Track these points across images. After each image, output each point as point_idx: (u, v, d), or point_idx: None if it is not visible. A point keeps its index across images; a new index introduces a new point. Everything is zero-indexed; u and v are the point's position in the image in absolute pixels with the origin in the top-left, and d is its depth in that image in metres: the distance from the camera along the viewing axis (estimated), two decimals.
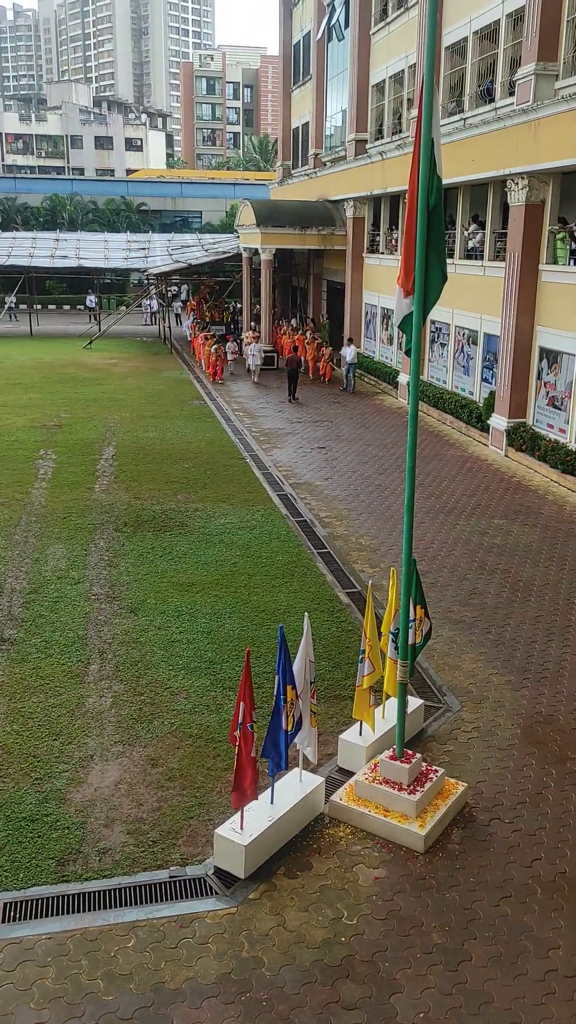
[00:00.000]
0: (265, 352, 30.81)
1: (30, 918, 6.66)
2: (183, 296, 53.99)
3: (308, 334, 32.59)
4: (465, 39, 22.35)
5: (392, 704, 8.70)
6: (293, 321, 38.88)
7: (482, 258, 21.98)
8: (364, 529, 14.89)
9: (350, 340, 27.97)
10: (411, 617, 8.10)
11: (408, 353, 7.25)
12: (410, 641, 8.15)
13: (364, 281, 31.19)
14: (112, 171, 78.80)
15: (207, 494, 16.59)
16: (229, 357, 30.50)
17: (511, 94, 20.18)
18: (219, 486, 17.22)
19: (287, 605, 11.59)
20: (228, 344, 30.72)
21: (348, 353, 27.38)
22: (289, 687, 7.17)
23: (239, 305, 44.30)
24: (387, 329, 29.39)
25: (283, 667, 7.11)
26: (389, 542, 14.21)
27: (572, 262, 18.45)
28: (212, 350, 29.22)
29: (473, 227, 22.84)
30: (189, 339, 37.86)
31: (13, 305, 47.67)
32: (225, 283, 46.10)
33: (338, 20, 32.59)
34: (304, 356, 30.49)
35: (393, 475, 18.41)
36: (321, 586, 12.31)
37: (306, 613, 7.53)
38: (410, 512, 7.43)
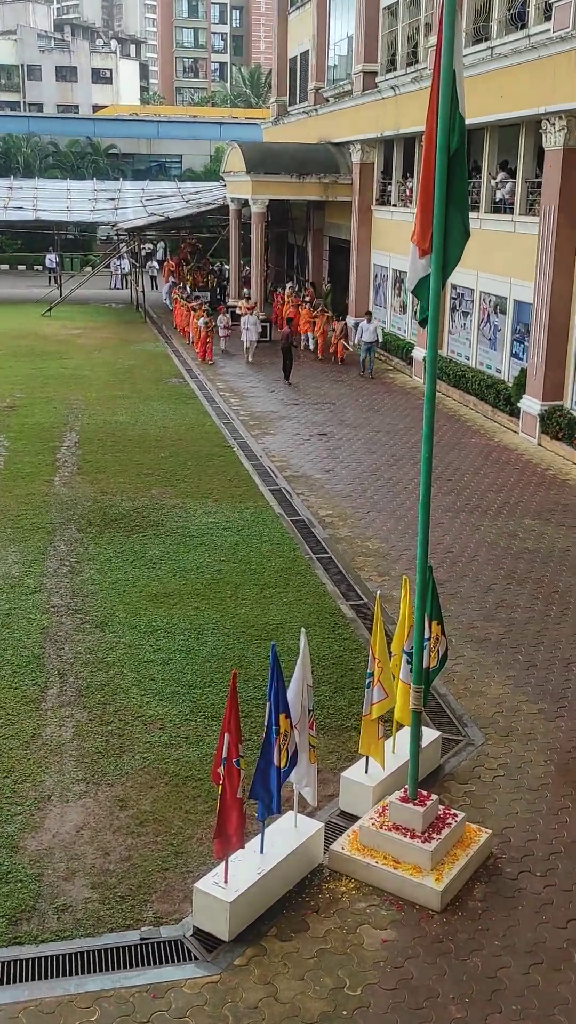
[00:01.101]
0: (261, 322, 30.87)
1: None
2: (159, 255, 54.09)
3: (309, 301, 32.69)
4: None
5: (404, 736, 8.72)
6: (287, 287, 39.00)
7: (512, 212, 21.99)
8: (372, 530, 14.92)
9: (369, 315, 27.67)
10: (426, 635, 8.11)
11: (424, 324, 7.26)
12: (425, 663, 8.16)
13: (373, 238, 31.29)
14: (76, 107, 78.52)
15: (187, 488, 16.63)
16: (221, 332, 30.37)
17: (547, 19, 20.20)
18: (201, 479, 17.25)
19: (281, 620, 11.62)
20: (220, 317, 30.56)
21: (367, 331, 27.08)
22: (283, 716, 7.19)
23: (225, 266, 44.45)
24: (400, 295, 29.48)
25: (276, 692, 7.13)
26: (401, 546, 14.25)
27: None
28: (201, 324, 29.10)
29: (502, 175, 22.89)
30: (169, 306, 37.89)
31: None
32: (209, 240, 46.19)
33: None
34: (310, 331, 30.41)
35: (406, 467, 18.46)
36: (321, 597, 12.35)
37: (303, 629, 7.53)
38: (426, 510, 7.46)
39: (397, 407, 23.81)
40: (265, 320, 31.82)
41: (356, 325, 29.46)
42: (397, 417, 22.73)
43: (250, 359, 29.12)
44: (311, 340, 30.52)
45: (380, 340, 27.12)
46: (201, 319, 29.16)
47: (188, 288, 39.29)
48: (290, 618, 11.66)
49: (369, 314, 27.71)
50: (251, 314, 29.51)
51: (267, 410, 23.27)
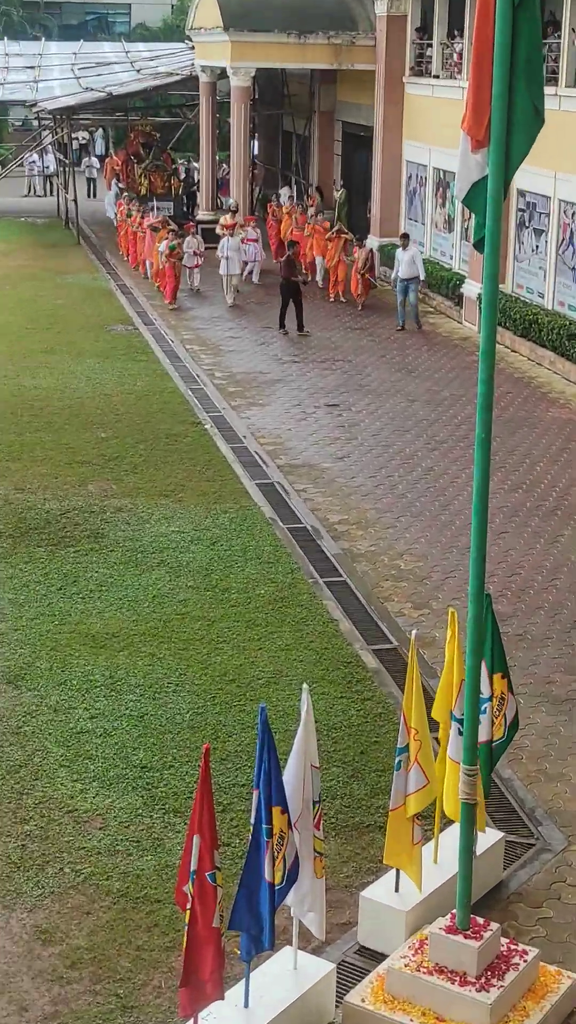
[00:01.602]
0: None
1: None
2: (99, 149, 54.23)
3: (313, 214, 32.76)
4: None
5: (452, 839, 8.74)
6: (283, 192, 39.16)
7: None
8: (404, 543, 14.99)
9: (405, 238, 27.39)
10: (485, 693, 8.13)
11: (480, 247, 7.29)
12: (484, 734, 8.17)
13: (405, 124, 31.52)
14: None
15: (138, 483, 16.71)
16: (189, 262, 30.43)
17: None
18: (159, 470, 17.35)
19: (274, 671, 11.69)
20: (189, 240, 30.56)
21: (402, 262, 26.76)
22: (276, 810, 7.20)
23: (195, 165, 44.57)
24: (444, 205, 29.63)
25: (267, 776, 7.14)
26: (446, 565, 14.32)
27: None
28: (163, 250, 29.16)
29: None
30: (115, 223, 37.98)
31: None
32: (172, 126, 46.36)
33: None
34: (322, 258, 30.47)
35: (453, 452, 18.55)
36: (331, 639, 12.41)
37: (305, 685, 7.54)
38: (482, 515, 7.47)
39: (439, 366, 23.85)
40: (256, 240, 31.86)
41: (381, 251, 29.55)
42: (440, 380, 22.78)
43: (231, 301, 29.24)
44: (320, 272, 30.59)
45: (423, 276, 26.76)
46: (162, 243, 29.26)
47: (141, 196, 39.39)
48: (287, 669, 11.70)
49: (405, 237, 27.38)
50: (234, 235, 29.53)
51: (254, 370, 23.33)
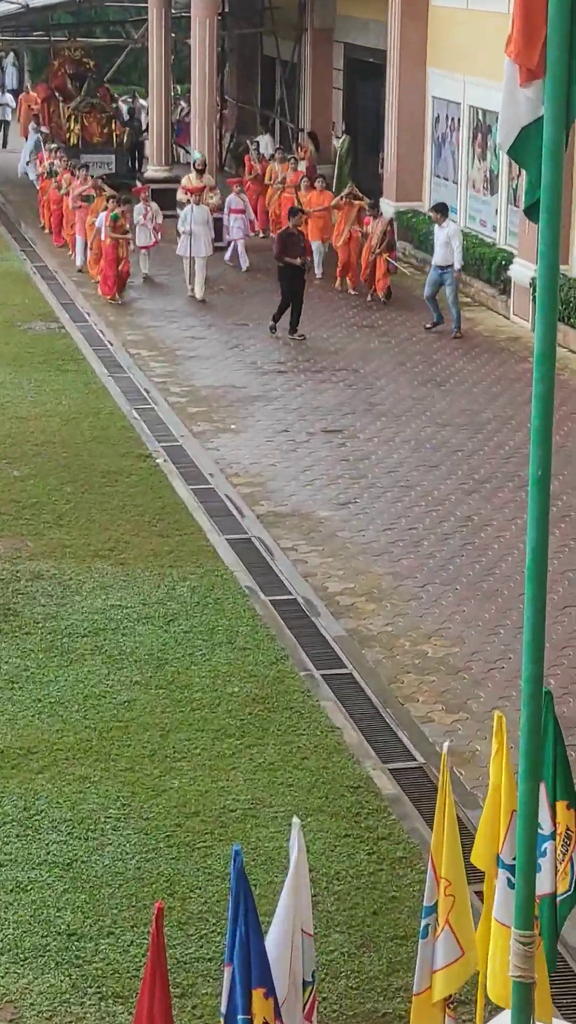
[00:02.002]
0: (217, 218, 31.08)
1: None
2: (10, 82, 54.54)
3: (296, 166, 32.85)
4: None
5: None
6: (262, 141, 39.35)
7: None
8: (431, 621, 15.01)
9: (442, 210, 27.06)
10: (546, 829, 8.07)
11: (532, 214, 7.29)
12: (544, 888, 8.10)
13: (430, 46, 31.92)
14: None
15: (65, 540, 16.78)
16: (142, 240, 30.51)
17: None
18: (93, 521, 17.41)
19: (252, 799, 11.65)
20: (139, 209, 30.64)
21: (437, 240, 26.71)
22: (258, 993, 7.12)
23: (143, 103, 44.71)
24: (484, 157, 29.84)
25: (243, 946, 7.07)
26: (489, 652, 14.34)
27: None
28: (101, 224, 28.98)
29: None
30: (35, 184, 37.90)
31: None
32: (111, 51, 46.57)
33: None
34: (319, 243, 30.51)
35: (498, 495, 18.64)
36: (331, 755, 12.38)
37: (296, 820, 7.50)
38: (539, 583, 7.42)
39: (479, 377, 23.91)
40: (242, 212, 31.93)
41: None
42: (479, 397, 22.85)
43: (197, 293, 29.24)
44: (318, 258, 30.48)
45: (459, 264, 26.59)
46: (100, 215, 29.20)
47: (72, 149, 39.47)
48: (271, 797, 11.65)
49: (442, 209, 27.07)
50: (201, 203, 29.55)
51: (225, 384, 23.38)
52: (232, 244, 31.65)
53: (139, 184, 34.07)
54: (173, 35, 38.81)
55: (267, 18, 41.29)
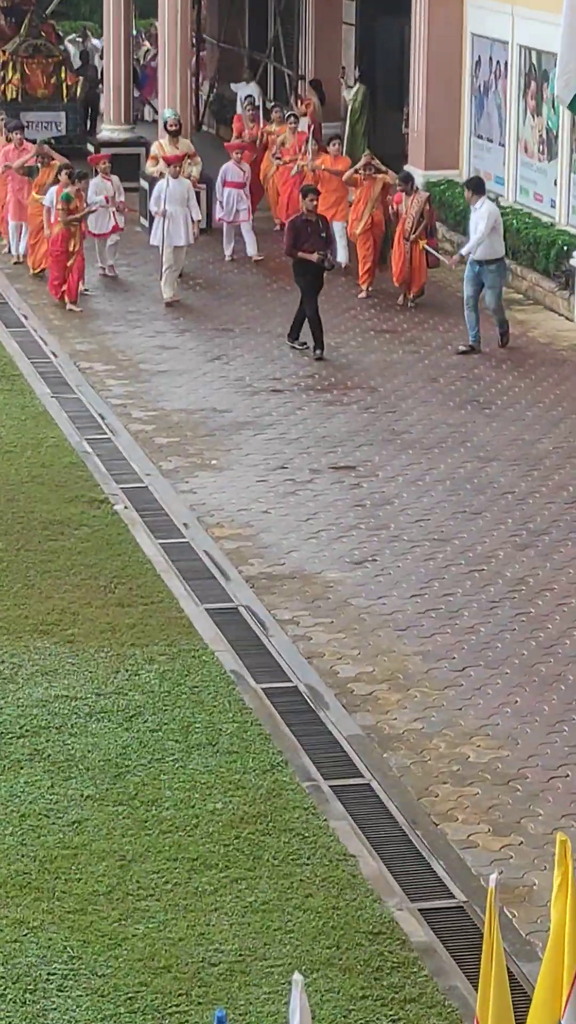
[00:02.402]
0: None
1: None
2: None
3: (296, 126, 32.80)
4: None
5: None
6: (240, 90, 39.26)
7: None
8: (474, 715, 14.96)
9: (476, 185, 26.90)
10: None
11: None
12: None
13: None
14: None
15: None
16: (102, 226, 30.21)
17: None
18: (33, 586, 17.41)
19: (239, 949, 11.55)
20: (96, 183, 30.43)
21: (475, 227, 26.39)
22: None
23: (94, 43, 44.73)
24: (539, 112, 29.84)
25: None
26: (550, 755, 14.28)
27: None
28: (49, 202, 28.69)
29: None
30: None
31: None
32: None
33: None
34: (340, 217, 30.20)
35: (559, 552, 18.66)
36: (344, 891, 12.29)
37: (297, 976, 7.46)
38: None
39: (534, 398, 23.92)
40: (242, 186, 31.89)
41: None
42: (534, 423, 22.86)
43: (169, 294, 29.02)
44: (339, 238, 30.16)
45: (473, 249, 26.27)
46: (48, 192, 29.01)
47: (10, 104, 39.60)
48: (264, 946, 11.55)
49: (477, 185, 26.87)
50: (179, 175, 29.44)
51: (203, 406, 23.37)
52: (225, 228, 31.67)
53: (94, 151, 34.02)
54: None
55: None
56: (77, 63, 44.13)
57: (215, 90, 43.04)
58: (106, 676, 15.30)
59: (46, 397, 23.51)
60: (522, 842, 12.93)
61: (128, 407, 23.23)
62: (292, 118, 34.26)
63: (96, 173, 30.52)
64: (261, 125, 35.16)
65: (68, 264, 28.46)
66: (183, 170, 29.77)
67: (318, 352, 25.67)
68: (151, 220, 30.95)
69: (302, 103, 36.81)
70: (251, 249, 31.56)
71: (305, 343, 25.96)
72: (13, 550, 18.12)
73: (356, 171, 29.53)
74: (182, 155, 30.52)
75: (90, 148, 36.01)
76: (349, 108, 36.47)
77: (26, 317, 27.57)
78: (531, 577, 17.79)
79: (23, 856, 12.57)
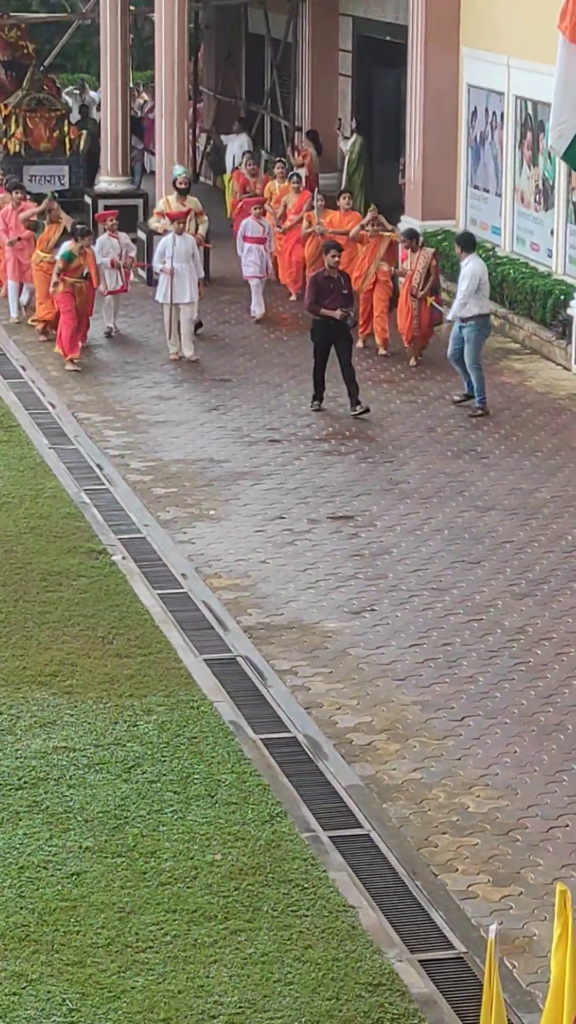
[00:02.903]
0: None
1: None
2: None
3: (298, 184, 32.74)
4: None
5: None
6: (233, 141, 39.10)
7: None
8: (473, 765, 14.94)
9: (466, 241, 26.34)
10: None
11: None
12: None
13: (464, 20, 32.04)
14: None
15: None
16: (110, 284, 29.91)
17: None
18: (31, 637, 17.40)
19: (239, 1002, 11.49)
20: (103, 242, 30.02)
21: (460, 282, 25.70)
22: None
23: (92, 96, 44.73)
24: (535, 163, 30.00)
25: None
26: (549, 805, 14.26)
27: None
28: (51, 262, 28.35)
29: None
30: None
31: None
32: (49, 30, 46.68)
33: None
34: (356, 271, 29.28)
35: (558, 600, 18.65)
36: (343, 941, 12.25)
37: None
38: None
39: (533, 446, 23.95)
40: (262, 242, 31.65)
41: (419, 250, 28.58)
42: (532, 472, 22.91)
43: (185, 351, 28.63)
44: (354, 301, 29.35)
45: (481, 310, 25.73)
46: (65, 244, 28.44)
47: (16, 159, 39.55)
48: (264, 999, 11.52)
49: (466, 242, 26.38)
50: (184, 232, 29.08)
51: (201, 457, 23.42)
52: (254, 286, 31.34)
53: (90, 202, 33.94)
54: (132, 8, 39.15)
55: None
56: (76, 116, 44.20)
57: (212, 141, 43.13)
58: (104, 727, 15.30)
59: (44, 448, 23.55)
60: (522, 892, 12.91)
61: (126, 457, 23.27)
62: (296, 177, 33.99)
63: (105, 230, 30.28)
64: (263, 177, 35.06)
65: (76, 326, 28.14)
66: (189, 227, 29.56)
67: (358, 409, 25.25)
68: (149, 274, 31.02)
69: (298, 154, 36.91)
70: (257, 309, 31.37)
71: (358, 407, 25.40)
72: (11, 601, 18.12)
73: (363, 227, 29.37)
74: (187, 211, 30.38)
75: (87, 199, 36.03)
76: (346, 159, 36.58)
77: (24, 368, 27.63)
78: (530, 626, 17.82)
79: (22, 908, 12.53)
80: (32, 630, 17.42)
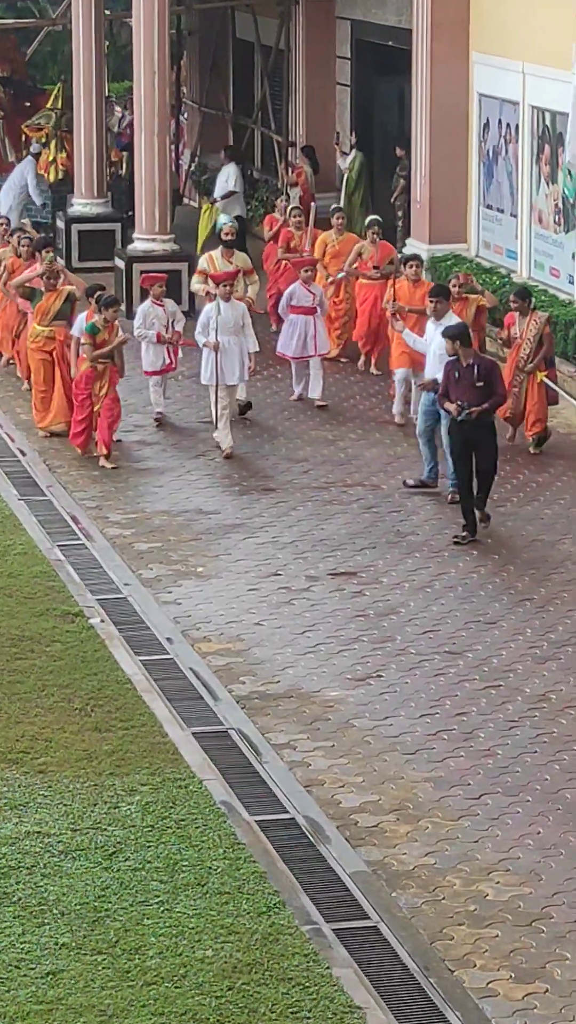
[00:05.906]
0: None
1: None
2: None
3: (303, 221, 32.04)
4: None
5: None
6: (223, 174, 39.22)
7: None
8: (492, 848, 14.91)
9: (524, 296, 25.53)
10: None
11: None
12: None
13: (473, 24, 32.23)
14: None
15: None
16: (154, 363, 27.48)
17: None
18: (1, 709, 17.37)
19: None
20: (144, 309, 27.57)
21: (431, 336, 23.75)
22: None
23: (120, 113, 44.93)
24: (552, 180, 29.96)
25: None
26: None
27: None
28: (75, 333, 26.09)
29: None
30: None
31: None
32: (18, 36, 47.03)
33: None
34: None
35: None
36: None
37: None
38: None
39: (554, 495, 24.01)
40: (313, 312, 28.51)
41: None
42: (553, 522, 23.00)
43: (228, 442, 25.90)
44: (400, 384, 26.85)
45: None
46: (79, 320, 26.22)
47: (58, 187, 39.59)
48: None
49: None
50: (230, 297, 26.43)
51: (188, 508, 23.46)
52: (294, 366, 28.65)
53: (63, 227, 33.98)
54: (107, 12, 39.27)
55: None
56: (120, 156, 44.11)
57: (197, 159, 43.20)
58: (82, 809, 15.24)
59: (13, 499, 23.55)
60: (548, 990, 12.84)
61: (104, 509, 23.25)
62: (296, 211, 32.45)
63: (150, 296, 27.95)
64: (311, 228, 31.79)
65: (95, 409, 25.74)
66: (237, 289, 27.21)
67: (483, 524, 22.59)
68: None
69: (293, 172, 36.98)
70: (316, 391, 28.37)
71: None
72: None
73: (396, 269, 28.10)
74: (235, 272, 27.92)
75: (59, 224, 36.09)
76: (345, 178, 36.62)
77: (9, 431, 27.57)
78: (553, 693, 17.77)
79: None
80: (1, 702, 17.36)
